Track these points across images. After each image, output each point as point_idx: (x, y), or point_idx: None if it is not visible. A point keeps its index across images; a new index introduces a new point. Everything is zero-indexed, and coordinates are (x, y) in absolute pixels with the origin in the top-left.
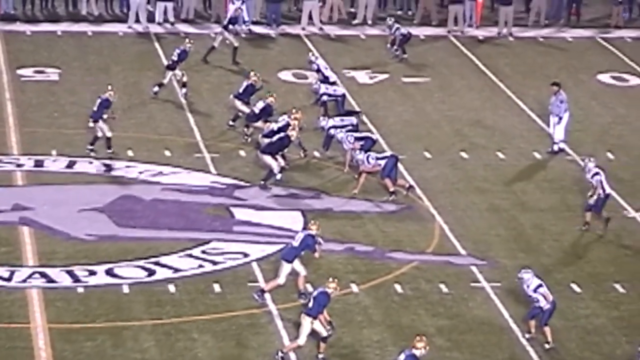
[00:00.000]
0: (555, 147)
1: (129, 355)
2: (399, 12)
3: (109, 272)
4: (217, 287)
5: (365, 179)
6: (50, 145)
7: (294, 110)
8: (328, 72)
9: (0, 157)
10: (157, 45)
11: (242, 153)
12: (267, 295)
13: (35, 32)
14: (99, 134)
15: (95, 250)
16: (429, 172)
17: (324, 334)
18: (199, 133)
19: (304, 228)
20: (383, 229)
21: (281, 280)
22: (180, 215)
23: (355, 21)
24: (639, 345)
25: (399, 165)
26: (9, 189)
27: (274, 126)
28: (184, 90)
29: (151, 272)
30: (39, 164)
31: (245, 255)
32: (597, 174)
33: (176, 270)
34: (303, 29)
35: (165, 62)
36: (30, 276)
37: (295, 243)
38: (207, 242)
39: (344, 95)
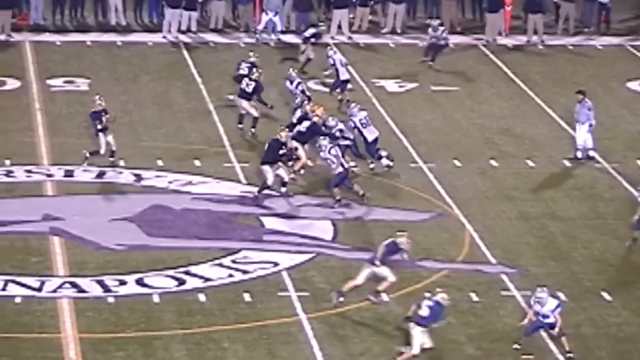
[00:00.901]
0: (579, 154)
1: None
2: (428, 21)
3: (140, 282)
4: (247, 297)
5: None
6: (80, 155)
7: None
8: (343, 70)
9: (30, 167)
10: (186, 55)
11: None
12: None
13: (64, 42)
14: (101, 150)
15: (125, 260)
16: (458, 181)
17: (428, 345)
18: (229, 142)
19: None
20: (413, 238)
21: (359, 280)
22: (211, 225)
23: (384, 30)
24: None
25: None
26: (39, 199)
27: (294, 120)
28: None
29: (181, 282)
30: (69, 174)
31: (276, 264)
32: None
33: (206, 279)
34: (332, 37)
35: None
36: (60, 286)
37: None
38: (237, 251)
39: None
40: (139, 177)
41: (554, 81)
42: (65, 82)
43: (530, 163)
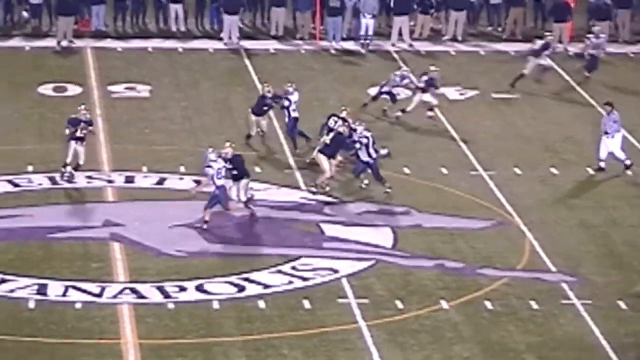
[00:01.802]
0: (602, 164)
1: None
2: (489, 28)
3: (199, 288)
4: (307, 303)
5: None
6: (140, 162)
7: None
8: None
9: (91, 173)
10: (247, 61)
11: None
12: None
13: (126, 48)
14: (67, 159)
15: (185, 266)
16: (519, 188)
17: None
18: (289, 149)
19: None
20: (473, 245)
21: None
22: (270, 232)
23: (445, 37)
24: None
25: (489, 181)
26: (100, 205)
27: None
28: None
29: (241, 288)
30: (129, 180)
31: (335, 271)
32: None
33: (266, 286)
34: (393, 45)
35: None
36: (121, 292)
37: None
38: (297, 258)
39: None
40: (199, 183)
41: (614, 89)
42: (126, 88)
43: (591, 171)
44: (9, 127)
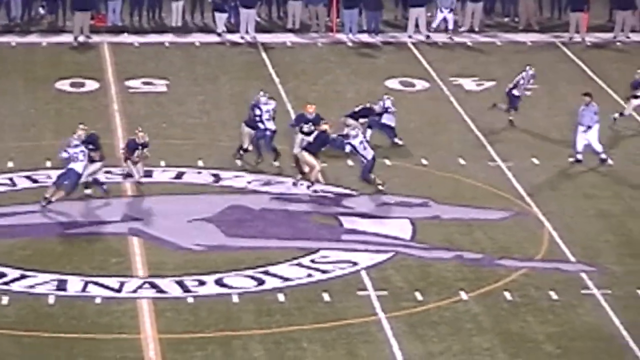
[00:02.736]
0: (579, 157)
1: None
2: (506, 19)
3: (219, 282)
4: (326, 296)
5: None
6: (158, 156)
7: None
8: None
9: (110, 168)
10: (264, 54)
11: (349, 162)
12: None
13: (143, 43)
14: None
15: (204, 260)
16: (537, 179)
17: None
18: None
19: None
20: (491, 236)
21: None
22: (289, 225)
23: (462, 28)
24: None
25: (507, 172)
26: (119, 199)
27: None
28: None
29: (260, 282)
30: (147, 174)
31: (354, 263)
32: None
33: (285, 279)
34: (410, 36)
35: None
36: (140, 287)
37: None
38: (316, 251)
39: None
40: (217, 177)
41: (632, 78)
42: (144, 83)
43: (609, 161)
44: (26, 122)
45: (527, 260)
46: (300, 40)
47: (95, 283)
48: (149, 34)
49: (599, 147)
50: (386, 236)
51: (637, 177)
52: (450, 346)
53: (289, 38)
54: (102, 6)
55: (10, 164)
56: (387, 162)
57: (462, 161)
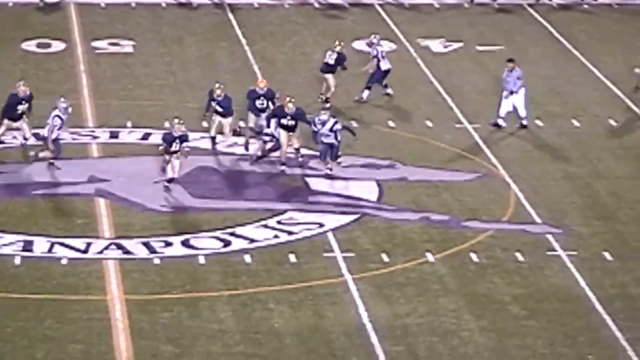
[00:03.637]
0: (500, 122)
1: (206, 326)
2: None
3: (185, 243)
4: (292, 258)
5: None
6: (125, 117)
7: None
8: (383, 62)
9: (76, 129)
10: (230, 16)
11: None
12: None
13: (109, 4)
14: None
15: (171, 222)
16: (503, 141)
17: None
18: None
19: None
20: (458, 198)
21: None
22: (256, 186)
23: None
24: None
25: (474, 134)
26: (85, 160)
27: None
28: None
29: (227, 243)
30: (114, 135)
31: (321, 225)
32: None
33: (252, 240)
34: None
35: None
36: (106, 248)
37: None
38: (283, 212)
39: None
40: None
41: (599, 40)
42: (110, 44)
43: (576, 123)
44: None
45: (494, 222)
46: (268, 2)
47: (62, 244)
48: None
49: (523, 112)
50: (353, 198)
51: (604, 139)
52: (416, 307)
53: None
54: None
55: None
56: (354, 123)
57: (429, 123)
